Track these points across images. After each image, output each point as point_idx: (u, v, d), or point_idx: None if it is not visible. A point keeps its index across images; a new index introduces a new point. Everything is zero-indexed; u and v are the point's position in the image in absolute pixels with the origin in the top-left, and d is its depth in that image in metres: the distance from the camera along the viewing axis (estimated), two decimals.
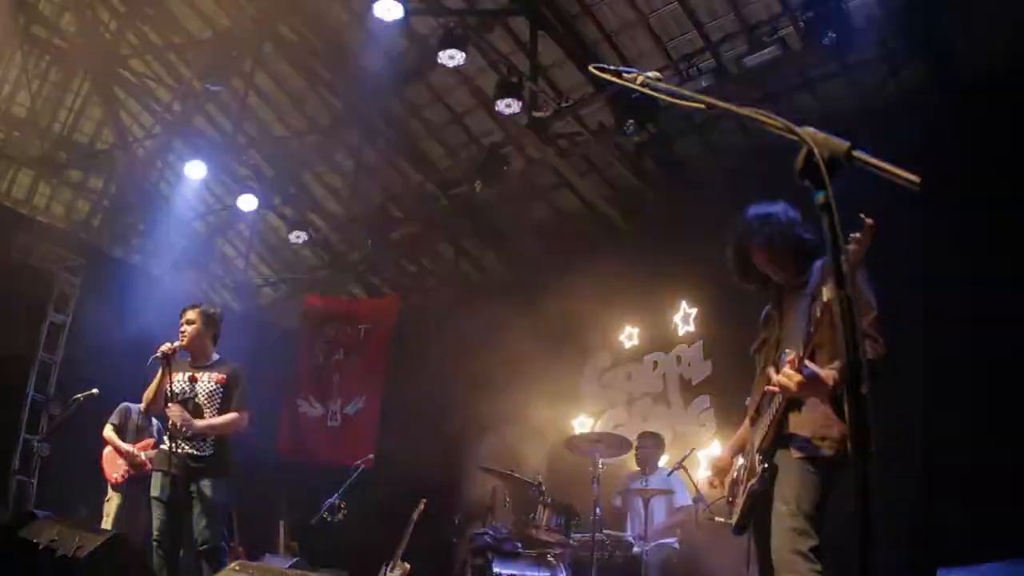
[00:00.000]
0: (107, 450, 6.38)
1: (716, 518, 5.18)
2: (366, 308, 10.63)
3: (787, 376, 2.75)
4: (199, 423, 4.64)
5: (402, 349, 9.65)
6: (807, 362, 2.75)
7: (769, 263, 3.18)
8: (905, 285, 5.36)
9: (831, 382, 2.73)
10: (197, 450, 4.68)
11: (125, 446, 6.26)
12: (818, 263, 3.07)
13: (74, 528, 4.18)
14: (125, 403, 6.49)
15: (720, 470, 3.38)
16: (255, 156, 9.81)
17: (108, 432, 6.34)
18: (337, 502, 7.15)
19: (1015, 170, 5.29)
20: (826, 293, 2.56)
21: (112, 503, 6.25)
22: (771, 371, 2.91)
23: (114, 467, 6.31)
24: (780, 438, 2.96)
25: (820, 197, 1.39)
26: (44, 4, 8.72)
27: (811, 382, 2.74)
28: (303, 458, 9.81)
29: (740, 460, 3.28)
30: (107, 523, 6.13)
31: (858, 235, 2.42)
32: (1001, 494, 4.90)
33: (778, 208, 3.14)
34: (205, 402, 4.77)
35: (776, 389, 2.83)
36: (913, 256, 5.57)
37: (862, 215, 2.40)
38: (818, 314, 2.64)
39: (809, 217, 2.92)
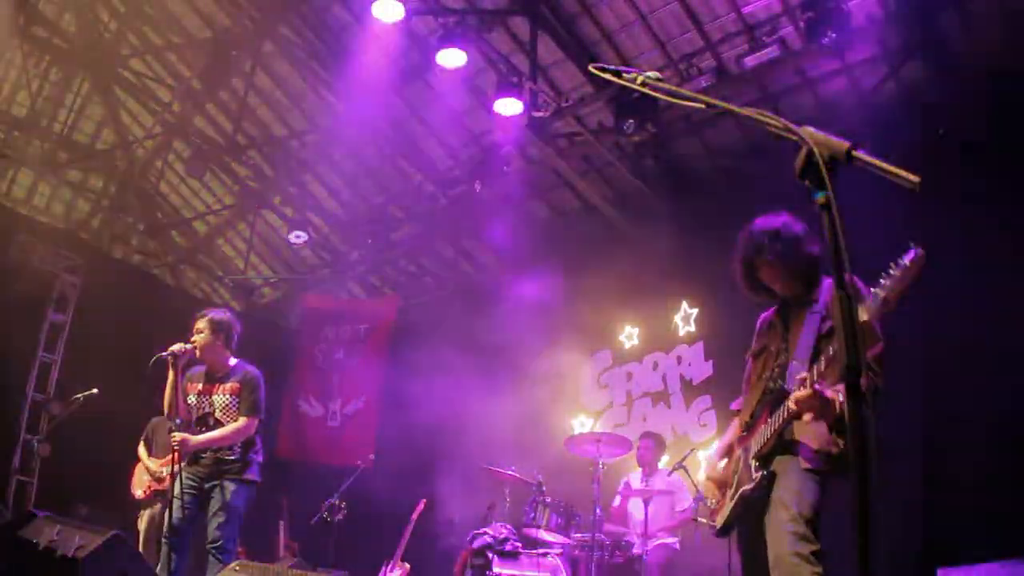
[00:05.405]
0: (138, 466, 6.35)
1: (699, 519, 5.17)
2: (366, 308, 10.62)
3: (805, 396, 2.74)
4: (193, 440, 4.59)
5: (402, 349, 9.64)
6: (818, 386, 2.73)
7: (778, 279, 3.15)
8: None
9: (838, 405, 2.72)
10: (224, 455, 4.67)
11: (150, 463, 6.19)
12: (828, 280, 3.02)
13: (74, 528, 4.16)
14: (156, 418, 6.35)
15: (713, 481, 3.33)
16: (255, 156, 9.81)
17: (140, 449, 6.33)
18: (337, 502, 7.15)
19: (1015, 169, 5.29)
20: None
21: (143, 520, 6.15)
22: (790, 402, 2.86)
23: (139, 482, 6.28)
24: (781, 444, 2.96)
25: (820, 197, 1.39)
26: (44, 4, 8.71)
27: (823, 403, 2.74)
28: (303, 458, 9.81)
29: (722, 463, 3.28)
30: (140, 542, 6.02)
31: (904, 263, 2.21)
32: (1002, 494, 4.89)
33: (785, 222, 3.09)
34: (222, 416, 4.72)
35: (795, 407, 2.80)
36: None
37: (911, 242, 2.12)
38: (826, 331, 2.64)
39: (810, 217, 2.89)
